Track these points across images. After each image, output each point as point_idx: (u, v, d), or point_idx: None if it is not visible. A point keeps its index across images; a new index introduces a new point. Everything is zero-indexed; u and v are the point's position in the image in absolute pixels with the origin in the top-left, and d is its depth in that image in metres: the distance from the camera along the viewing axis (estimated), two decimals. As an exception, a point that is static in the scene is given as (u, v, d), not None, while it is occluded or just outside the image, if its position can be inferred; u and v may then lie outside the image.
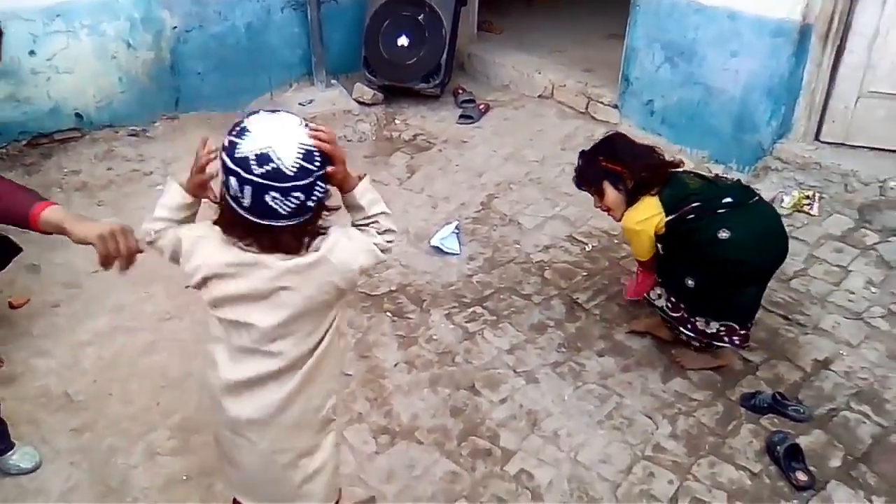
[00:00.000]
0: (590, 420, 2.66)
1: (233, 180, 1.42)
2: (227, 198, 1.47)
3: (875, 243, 3.62)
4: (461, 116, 4.91)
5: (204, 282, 1.57)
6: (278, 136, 1.42)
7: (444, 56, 4.94)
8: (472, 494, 2.38)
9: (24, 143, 4.28)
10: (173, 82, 4.68)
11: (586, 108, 4.88)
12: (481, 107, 4.99)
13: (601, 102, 4.79)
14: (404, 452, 2.52)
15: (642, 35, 4.42)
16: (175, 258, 1.64)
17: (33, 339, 2.99)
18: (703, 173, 2.97)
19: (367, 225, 1.64)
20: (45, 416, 2.65)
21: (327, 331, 1.60)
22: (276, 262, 1.50)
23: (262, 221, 1.45)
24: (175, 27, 4.55)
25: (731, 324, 2.71)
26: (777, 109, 4.01)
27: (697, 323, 2.74)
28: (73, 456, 2.51)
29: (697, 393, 2.79)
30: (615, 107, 4.70)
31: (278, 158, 1.40)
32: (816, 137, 4.14)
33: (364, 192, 1.63)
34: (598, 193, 2.75)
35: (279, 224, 1.46)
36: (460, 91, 5.18)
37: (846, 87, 3.99)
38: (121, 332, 3.03)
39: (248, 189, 1.41)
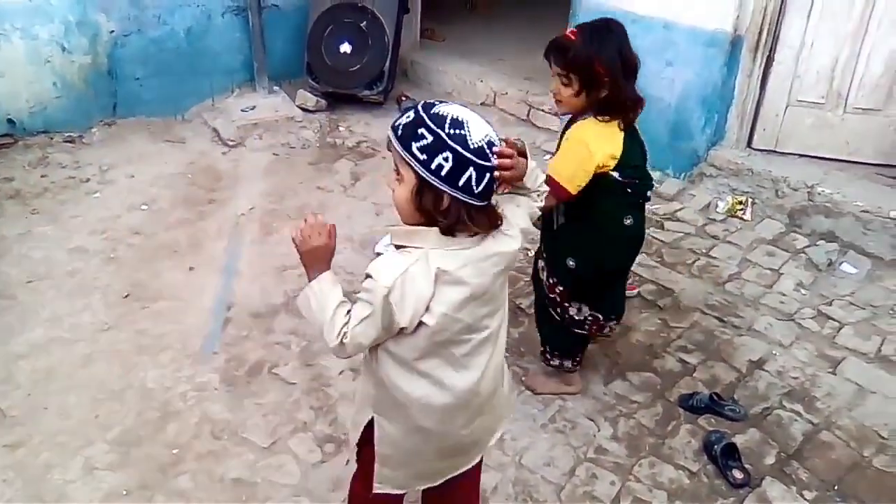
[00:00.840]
0: (534, 424, 2.70)
1: (471, 171, 1.45)
2: (455, 193, 1.47)
3: (804, 247, 3.76)
4: (405, 123, 4.91)
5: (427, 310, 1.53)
6: (481, 121, 1.51)
7: (388, 63, 4.95)
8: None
9: (-47, 149, 4.14)
10: (111, 87, 4.58)
11: (528, 115, 4.95)
12: (425, 114, 5.01)
13: (542, 110, 4.87)
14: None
15: (582, 44, 4.50)
16: (389, 326, 1.54)
17: (-37, 353, 2.89)
18: None
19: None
20: (-24, 433, 2.57)
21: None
22: (501, 247, 1.57)
23: (483, 203, 1.51)
24: (112, 31, 4.46)
25: (598, 315, 2.58)
26: (711, 117, 4.13)
27: (571, 308, 2.58)
28: (6, 473, 2.43)
29: (637, 395, 2.85)
30: (556, 115, 4.78)
31: (496, 141, 1.51)
32: (748, 145, 4.28)
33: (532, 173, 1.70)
34: (566, 81, 2.27)
35: (490, 202, 1.54)
36: (403, 98, 5.19)
37: (775, 96, 4.14)
38: (57, 343, 2.95)
39: (486, 176, 1.47)
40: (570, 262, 2.47)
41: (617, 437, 2.66)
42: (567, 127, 2.42)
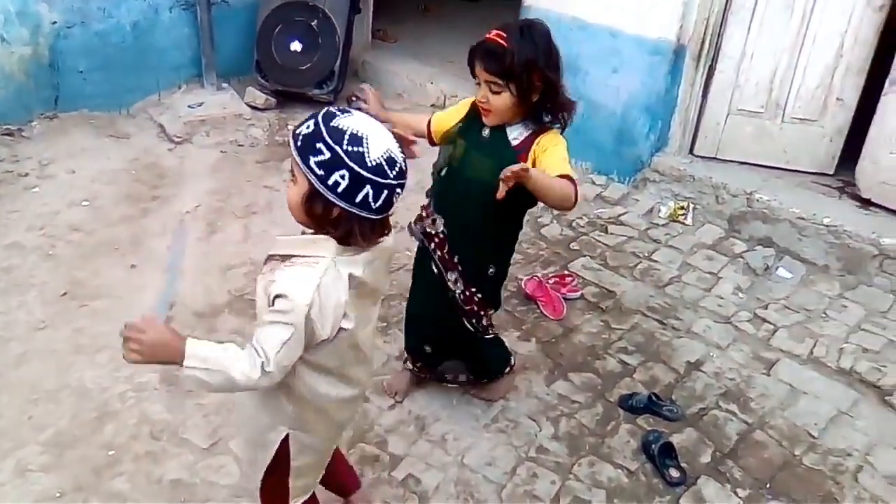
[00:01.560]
0: (476, 424, 2.73)
1: (368, 188, 1.46)
2: (351, 208, 1.48)
3: (743, 251, 3.87)
4: (355, 123, 4.90)
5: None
6: (383, 135, 1.50)
7: (338, 63, 4.93)
8: (360, 500, 2.38)
9: None
10: (52, 80, 4.47)
11: (478, 118, 4.97)
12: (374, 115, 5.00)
13: (492, 113, 4.90)
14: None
15: (531, 49, 4.55)
16: (311, 340, 1.55)
17: None
18: None
19: None
20: None
21: None
22: (384, 246, 1.65)
23: (378, 217, 1.53)
24: (55, 22, 4.35)
25: (493, 311, 2.60)
26: (654, 125, 4.22)
27: (485, 317, 2.55)
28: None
29: (579, 395, 2.90)
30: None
31: (399, 158, 1.51)
32: (691, 151, 4.38)
33: None
34: (498, 88, 2.13)
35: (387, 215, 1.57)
36: (354, 98, 5.14)
37: (717, 104, 4.25)
38: (-11, 342, 2.87)
39: (384, 192, 1.49)
40: (491, 269, 2.43)
41: (558, 437, 2.70)
42: (497, 139, 2.25)
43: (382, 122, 1.78)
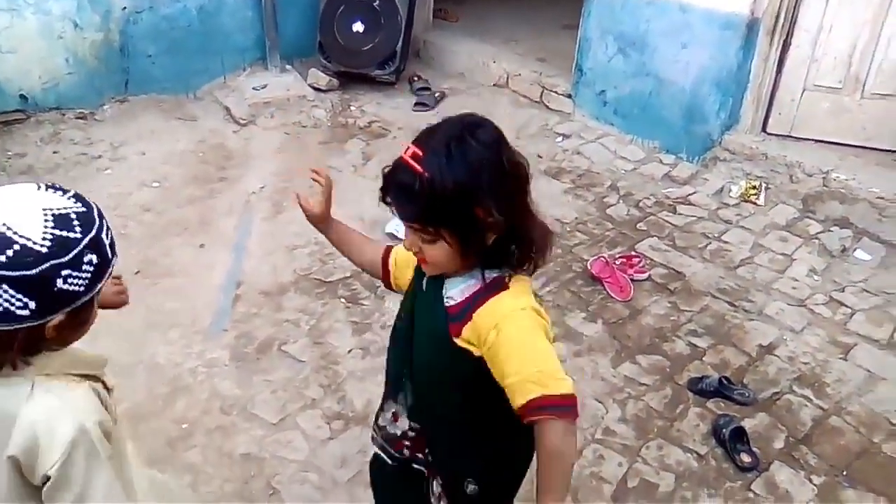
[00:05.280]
0: (542, 405, 2.70)
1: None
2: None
3: (818, 233, 3.73)
4: (416, 104, 4.90)
5: None
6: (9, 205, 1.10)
7: (400, 43, 4.92)
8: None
9: (-35, 124, 4.15)
10: (122, 64, 4.58)
11: (540, 97, 4.91)
12: (437, 95, 4.99)
13: (555, 92, 4.83)
14: (357, 438, 2.51)
15: (596, 26, 4.47)
16: None
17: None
18: None
19: None
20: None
21: None
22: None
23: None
24: (124, 7, 4.45)
25: None
26: (725, 101, 4.09)
27: None
28: None
29: (646, 378, 2.84)
30: (569, 97, 4.74)
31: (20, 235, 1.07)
32: (763, 129, 4.24)
33: None
34: (429, 237, 1.36)
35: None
36: (416, 78, 5.16)
37: (792, 80, 4.10)
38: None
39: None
40: (471, 487, 1.56)
41: (625, 419, 2.66)
42: (430, 295, 1.47)
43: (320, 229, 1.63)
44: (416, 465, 1.63)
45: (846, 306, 3.25)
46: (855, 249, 3.61)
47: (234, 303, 3.11)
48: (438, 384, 1.50)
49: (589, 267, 3.35)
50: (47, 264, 1.07)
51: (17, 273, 1.05)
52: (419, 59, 5.51)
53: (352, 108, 4.87)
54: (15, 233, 1.06)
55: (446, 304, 1.42)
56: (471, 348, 1.39)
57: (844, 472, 2.50)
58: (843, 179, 3.81)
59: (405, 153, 1.34)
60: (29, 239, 1.06)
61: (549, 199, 3.91)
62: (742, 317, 3.17)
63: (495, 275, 1.39)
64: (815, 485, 2.45)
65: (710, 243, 3.64)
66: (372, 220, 3.59)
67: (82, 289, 1.13)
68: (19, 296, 1.07)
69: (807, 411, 2.73)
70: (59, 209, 1.10)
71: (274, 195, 3.87)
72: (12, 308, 1.07)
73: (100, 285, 1.16)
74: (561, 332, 3.05)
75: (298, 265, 3.33)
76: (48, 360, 1.17)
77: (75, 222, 1.11)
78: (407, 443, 1.61)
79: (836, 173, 3.84)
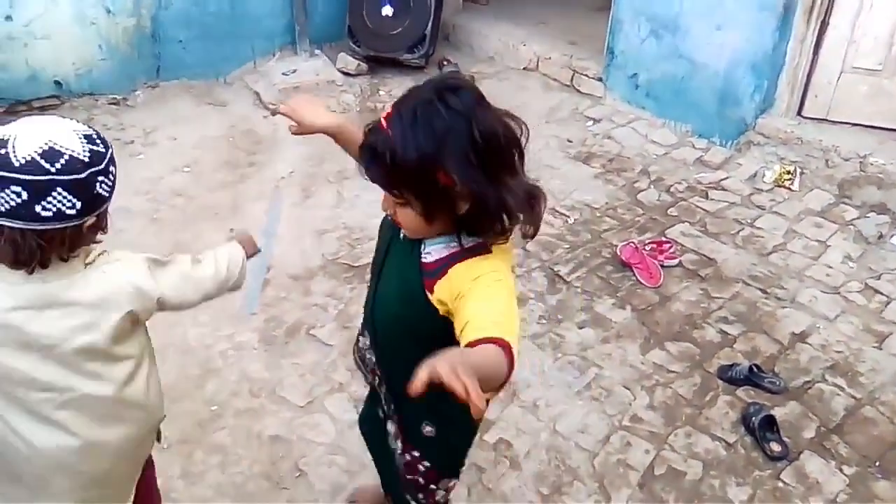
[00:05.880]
0: (569, 391, 2.69)
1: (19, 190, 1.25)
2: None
3: (854, 219, 3.66)
4: (446, 88, 4.87)
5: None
6: (45, 128, 1.30)
7: (429, 26, 4.89)
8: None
9: (2, 110, 4.21)
10: (154, 50, 4.61)
11: (571, 81, 4.86)
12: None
13: (586, 75, 4.77)
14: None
15: (628, 7, 4.40)
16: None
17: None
18: None
19: None
20: None
21: None
22: (75, 294, 1.40)
23: (43, 228, 1.31)
24: (156, -7, 4.48)
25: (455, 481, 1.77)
26: (760, 84, 4.01)
27: (438, 491, 1.73)
28: None
29: (675, 365, 2.82)
30: (600, 80, 4.69)
31: (63, 148, 1.27)
32: (799, 113, 4.15)
33: None
34: (400, 199, 1.36)
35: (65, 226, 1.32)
36: (445, 62, 5.14)
37: (829, 62, 4.00)
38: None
39: (52, 192, 1.28)
40: (428, 429, 1.61)
41: (653, 407, 2.64)
42: (408, 250, 1.45)
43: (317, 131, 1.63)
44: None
45: (882, 294, 3.19)
46: (892, 236, 3.53)
47: (264, 287, 3.14)
48: (400, 336, 1.52)
49: (618, 253, 3.32)
50: (89, 171, 1.29)
51: (69, 178, 1.27)
52: (448, 43, 5.48)
53: (381, 92, 4.87)
54: (62, 146, 1.27)
55: (423, 260, 1.41)
56: (440, 307, 1.38)
57: (877, 463, 2.46)
58: (880, 164, 3.72)
59: (383, 114, 1.34)
60: (73, 151, 1.28)
61: (578, 184, 3.89)
62: (774, 304, 3.13)
63: (474, 242, 1.37)
64: (846, 475, 2.42)
65: (743, 229, 3.59)
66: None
67: (108, 194, 1.35)
68: (70, 198, 1.27)
69: (839, 401, 2.68)
70: (83, 130, 1.33)
71: (303, 180, 3.89)
72: (63, 209, 1.27)
73: (114, 194, 1.38)
74: (589, 318, 3.03)
75: (327, 249, 3.35)
76: (83, 254, 1.40)
77: (97, 140, 1.34)
78: (377, 373, 1.70)
79: (873, 158, 3.76)
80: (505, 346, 1.18)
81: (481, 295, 1.30)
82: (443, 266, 1.37)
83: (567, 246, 3.45)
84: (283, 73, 4.81)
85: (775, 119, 4.12)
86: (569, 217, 3.65)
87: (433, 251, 1.40)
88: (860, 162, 3.78)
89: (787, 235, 3.55)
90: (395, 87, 4.92)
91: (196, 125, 4.37)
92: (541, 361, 2.81)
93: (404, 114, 1.29)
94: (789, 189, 3.86)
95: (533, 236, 1.42)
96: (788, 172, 3.91)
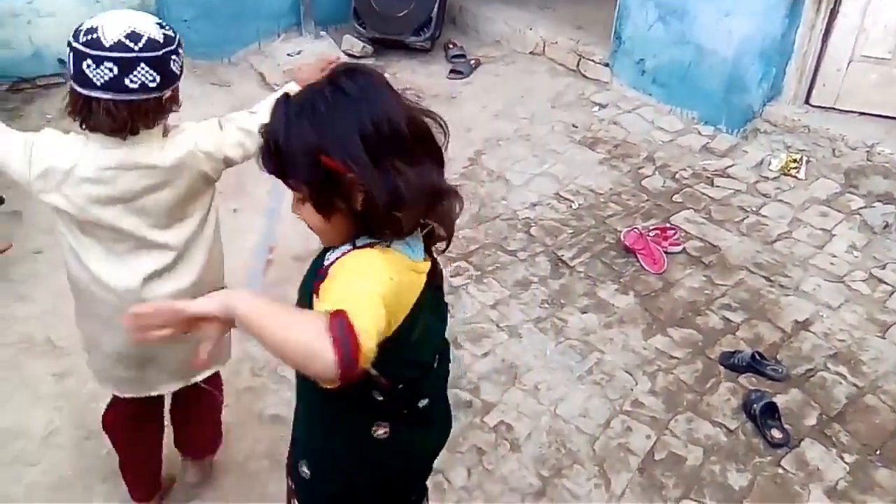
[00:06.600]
0: (570, 375, 2.69)
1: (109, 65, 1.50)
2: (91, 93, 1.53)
3: (860, 208, 3.63)
4: (451, 71, 4.85)
5: None
6: (126, 18, 1.55)
7: (436, 9, 4.86)
8: (452, 444, 2.39)
9: (5, 87, 4.21)
10: (159, 29, 4.59)
11: (577, 66, 4.83)
12: (472, 62, 4.93)
13: (592, 60, 4.74)
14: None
15: (636, -8, 4.37)
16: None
17: (14, 284, 2.98)
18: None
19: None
20: (27, 361, 2.66)
21: None
22: (146, 158, 1.67)
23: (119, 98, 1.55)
24: (161, -28, 4.46)
25: None
26: (768, 71, 3.98)
27: None
28: (55, 401, 2.52)
29: (678, 351, 2.81)
30: (606, 65, 4.66)
31: (142, 29, 1.53)
32: (806, 101, 4.12)
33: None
34: (299, 193, 1.26)
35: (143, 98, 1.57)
36: (451, 46, 5.11)
37: (838, 50, 3.97)
38: (104, 279, 3.02)
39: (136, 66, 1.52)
40: (304, 470, 1.47)
41: (654, 392, 2.64)
42: (316, 258, 1.37)
43: None
44: None
45: (886, 284, 3.17)
46: (898, 226, 3.52)
47: (267, 268, 3.12)
48: None
49: (622, 238, 3.31)
50: (164, 50, 1.53)
51: (150, 54, 1.51)
52: (455, 26, 5.45)
53: (386, 75, 4.83)
54: (142, 30, 1.52)
55: (325, 264, 1.27)
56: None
57: (878, 452, 2.46)
58: (888, 154, 3.71)
59: None
60: (151, 33, 1.52)
61: (583, 169, 3.87)
62: (778, 292, 3.12)
63: (368, 242, 1.24)
64: (846, 463, 2.42)
65: (748, 217, 3.57)
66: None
67: (179, 72, 1.59)
68: (151, 72, 1.52)
69: (841, 389, 2.68)
70: (156, 20, 1.57)
71: (307, 161, 3.88)
72: (146, 81, 1.52)
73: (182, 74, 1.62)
74: (592, 303, 3.03)
75: (330, 231, 3.34)
76: (162, 126, 1.65)
77: (168, 27, 1.58)
78: None
79: (881, 147, 3.73)
80: (335, 318, 1.01)
81: (341, 281, 1.17)
82: (330, 266, 1.25)
83: (571, 231, 3.44)
84: (288, 55, 4.79)
85: (782, 107, 4.09)
86: (573, 202, 3.64)
87: (332, 256, 1.27)
88: (867, 151, 3.76)
89: (792, 224, 3.53)
90: (401, 69, 4.90)
91: (200, 105, 4.34)
92: (543, 345, 2.81)
93: (292, 100, 1.22)
94: (795, 177, 3.84)
95: (445, 248, 1.32)
96: (795, 161, 3.89)
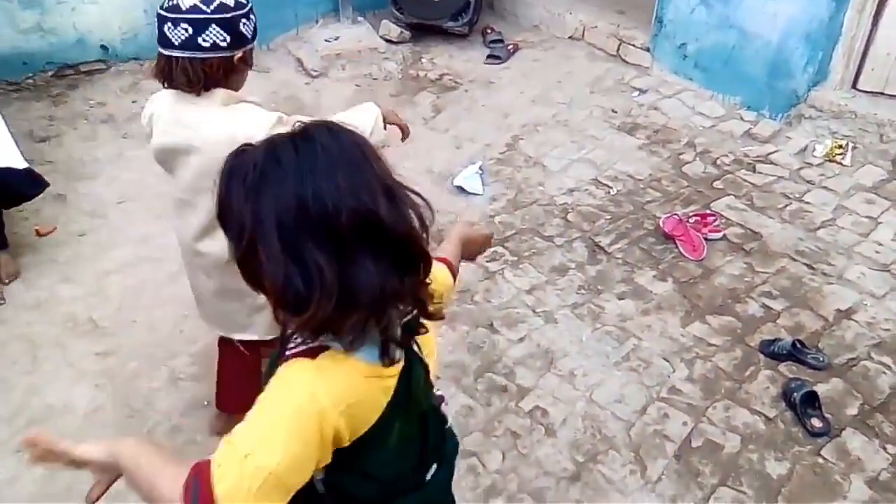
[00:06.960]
0: (607, 361, 2.67)
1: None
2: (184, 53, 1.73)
3: (907, 195, 3.54)
4: (489, 56, 4.83)
5: None
6: None
7: (474, -6, 4.84)
8: (487, 428, 2.41)
9: (50, 73, 4.29)
10: (199, 15, 4.64)
11: (617, 50, 4.77)
12: (510, 47, 4.90)
13: (633, 45, 4.68)
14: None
15: (678, -25, 4.29)
16: None
17: (59, 266, 3.05)
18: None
19: None
20: (71, 341, 2.72)
21: None
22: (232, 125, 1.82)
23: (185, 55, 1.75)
24: (201, -42, 4.49)
25: None
26: (814, 55, 3.89)
27: None
28: (98, 379, 2.57)
29: (716, 338, 2.78)
30: (647, 50, 4.59)
31: None
32: (854, 85, 4.01)
33: None
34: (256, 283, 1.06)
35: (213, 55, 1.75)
36: (489, 31, 5.08)
37: (889, 33, 3.85)
38: (145, 261, 3.08)
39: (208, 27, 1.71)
40: None
41: (692, 379, 2.61)
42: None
43: None
44: None
45: (934, 272, 3.09)
46: (947, 213, 3.42)
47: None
48: None
49: (661, 224, 3.27)
50: (234, 13, 1.71)
51: (220, 16, 1.69)
52: (493, 11, 5.42)
53: (423, 60, 4.84)
54: None
55: (285, 353, 1.08)
56: None
57: (923, 443, 2.40)
58: (938, 139, 3.60)
59: None
60: None
61: (622, 155, 3.83)
62: (820, 280, 3.05)
63: (319, 342, 1.04)
64: (889, 454, 2.37)
65: (791, 204, 3.50)
66: (440, 172, 3.58)
67: (250, 35, 1.76)
68: (223, 32, 1.70)
69: (884, 379, 2.62)
70: None
71: (344, 146, 3.89)
72: (217, 41, 1.70)
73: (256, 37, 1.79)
74: (629, 289, 3.00)
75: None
76: (225, 93, 1.79)
77: None
78: None
79: (931, 133, 3.63)
80: (196, 474, 0.96)
81: (249, 422, 1.01)
82: (283, 362, 1.06)
83: (609, 217, 3.40)
84: (326, 40, 4.81)
85: (828, 92, 3.99)
86: (611, 188, 3.60)
87: (288, 349, 1.07)
88: (917, 137, 3.66)
89: (836, 211, 3.45)
90: (438, 55, 4.89)
91: (239, 91, 4.39)
92: (579, 331, 2.79)
93: (235, 161, 1.03)
94: (840, 164, 3.75)
95: (440, 318, 1.13)
96: (840, 147, 3.79)
